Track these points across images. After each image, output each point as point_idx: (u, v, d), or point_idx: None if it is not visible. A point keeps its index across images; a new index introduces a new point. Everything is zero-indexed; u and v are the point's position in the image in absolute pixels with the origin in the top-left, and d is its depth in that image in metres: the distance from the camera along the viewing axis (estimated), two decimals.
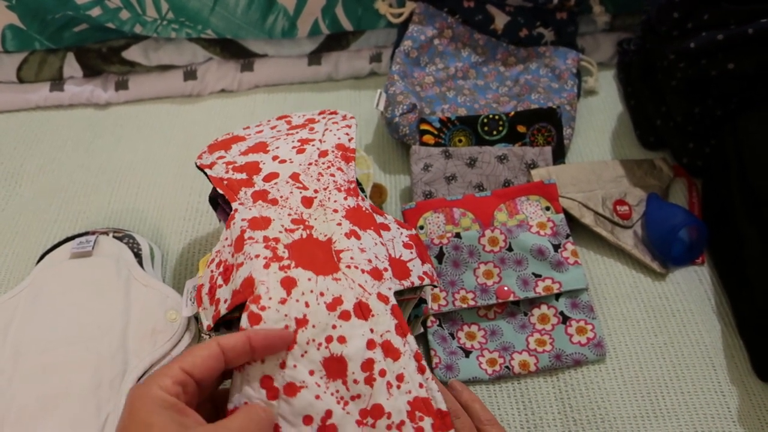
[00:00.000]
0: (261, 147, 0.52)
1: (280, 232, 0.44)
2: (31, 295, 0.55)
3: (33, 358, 0.51)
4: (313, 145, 0.51)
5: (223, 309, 0.42)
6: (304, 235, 0.44)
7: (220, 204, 0.54)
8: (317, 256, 0.42)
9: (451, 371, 0.53)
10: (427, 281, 0.46)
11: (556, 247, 0.58)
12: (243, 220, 0.45)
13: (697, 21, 0.60)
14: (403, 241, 0.47)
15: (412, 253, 0.47)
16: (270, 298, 0.39)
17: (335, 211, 0.45)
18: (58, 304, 0.54)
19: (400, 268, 0.45)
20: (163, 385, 0.33)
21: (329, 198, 0.46)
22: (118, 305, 0.54)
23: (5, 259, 0.63)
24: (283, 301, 0.39)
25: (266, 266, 0.41)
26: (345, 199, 0.46)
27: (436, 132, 0.68)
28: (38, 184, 0.71)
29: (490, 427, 0.44)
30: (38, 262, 0.59)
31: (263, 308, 0.39)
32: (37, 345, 0.52)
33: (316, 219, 0.45)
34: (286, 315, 0.39)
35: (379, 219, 0.48)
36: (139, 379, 0.51)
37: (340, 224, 0.44)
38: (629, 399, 0.52)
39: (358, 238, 0.43)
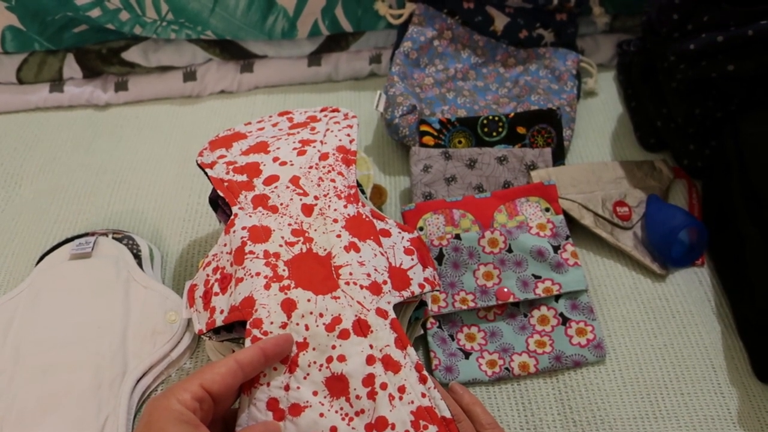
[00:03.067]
0: (262, 147, 0.52)
1: (281, 245, 0.44)
2: (31, 297, 0.55)
3: (33, 359, 0.51)
4: (314, 147, 0.51)
5: (219, 320, 0.43)
6: (304, 249, 0.44)
7: (221, 205, 0.54)
8: (317, 272, 0.43)
9: (450, 373, 0.53)
10: (428, 288, 0.46)
11: (556, 249, 0.58)
12: (243, 228, 0.45)
13: (697, 22, 0.60)
14: (404, 247, 0.47)
15: (413, 259, 0.47)
16: (271, 323, 0.41)
17: (335, 221, 0.45)
18: (57, 305, 0.54)
19: (400, 278, 0.45)
20: (181, 399, 0.34)
21: (329, 206, 0.46)
22: (117, 306, 0.54)
23: (5, 260, 0.63)
24: (284, 326, 0.41)
25: (267, 287, 0.42)
26: (345, 207, 0.46)
27: (435, 133, 0.68)
28: (38, 185, 0.71)
29: (492, 431, 0.44)
30: (38, 263, 0.59)
31: (265, 333, 0.40)
32: (37, 346, 0.52)
33: (315, 230, 0.45)
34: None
35: (379, 225, 0.48)
36: (138, 380, 0.51)
37: (339, 236, 0.44)
38: (629, 400, 0.52)
39: (357, 250, 0.44)
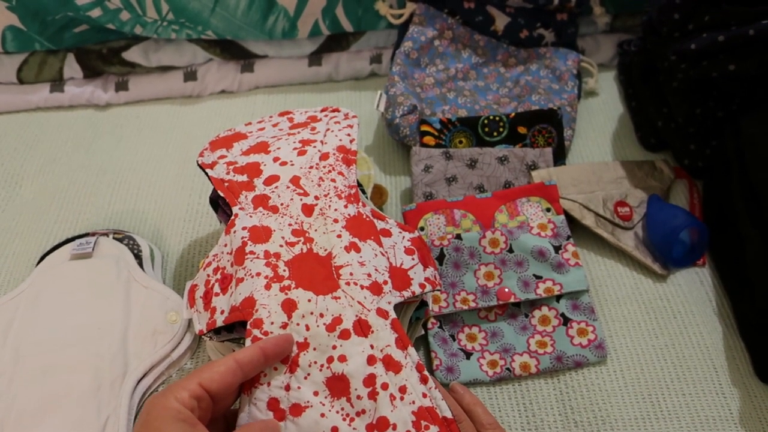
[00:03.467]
0: (262, 147, 0.52)
1: (281, 246, 0.44)
2: (31, 297, 0.55)
3: (33, 360, 0.51)
4: (314, 147, 0.51)
5: (219, 320, 0.43)
6: (305, 250, 0.44)
7: (221, 205, 0.54)
8: (317, 272, 0.43)
9: (451, 373, 0.53)
10: (428, 288, 0.46)
11: (557, 249, 0.58)
12: (244, 229, 0.45)
13: (698, 22, 0.60)
14: (404, 246, 0.47)
15: (413, 259, 0.47)
16: (272, 323, 0.41)
17: (335, 221, 0.45)
18: (58, 305, 0.54)
19: (400, 278, 0.45)
20: (179, 398, 0.34)
21: (329, 206, 0.46)
22: (118, 307, 0.54)
23: (5, 260, 0.63)
24: (284, 326, 0.41)
25: (267, 287, 0.42)
26: (345, 207, 0.46)
27: (436, 133, 0.68)
28: (38, 185, 0.71)
29: (493, 431, 0.44)
30: (38, 263, 0.59)
31: (266, 333, 0.40)
32: (37, 347, 0.52)
33: (316, 230, 0.45)
34: None
35: (380, 225, 0.48)
36: (139, 380, 0.51)
37: (340, 236, 0.44)
38: (630, 401, 0.52)
39: (358, 251, 0.44)
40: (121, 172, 0.71)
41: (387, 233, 0.47)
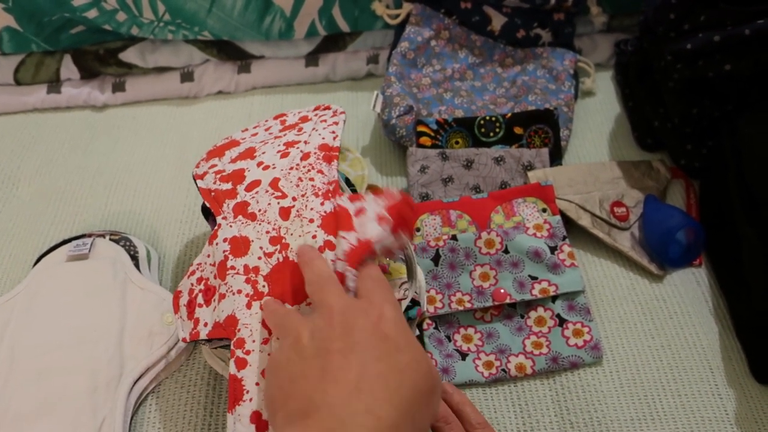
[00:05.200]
0: (249, 153, 0.52)
1: (259, 258, 0.45)
2: (28, 298, 0.55)
3: (29, 362, 0.51)
4: (297, 148, 0.51)
5: (203, 333, 0.44)
6: (281, 259, 0.44)
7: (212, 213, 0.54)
8: (293, 281, 0.43)
9: (447, 374, 0.53)
10: (382, 241, 0.43)
11: (553, 249, 0.58)
12: (225, 240, 0.46)
13: (693, 22, 0.60)
14: (377, 214, 0.44)
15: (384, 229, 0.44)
16: (254, 341, 0.42)
17: (311, 221, 0.45)
18: (54, 307, 0.54)
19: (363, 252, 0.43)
20: None
21: (306, 206, 0.46)
22: (114, 308, 0.54)
23: (1, 261, 0.63)
24: (265, 342, 0.42)
25: (248, 306, 0.43)
26: (322, 204, 0.46)
27: (432, 134, 0.68)
28: (35, 186, 0.71)
29: (482, 431, 0.44)
30: (35, 264, 0.59)
31: (248, 352, 0.42)
32: (33, 348, 0.52)
33: (292, 234, 0.45)
34: (269, 354, 0.42)
35: (356, 205, 0.45)
36: (135, 382, 0.51)
37: (315, 236, 0.44)
38: (626, 402, 0.52)
39: (333, 248, 0.43)
40: (117, 174, 0.71)
41: (362, 211, 0.45)
